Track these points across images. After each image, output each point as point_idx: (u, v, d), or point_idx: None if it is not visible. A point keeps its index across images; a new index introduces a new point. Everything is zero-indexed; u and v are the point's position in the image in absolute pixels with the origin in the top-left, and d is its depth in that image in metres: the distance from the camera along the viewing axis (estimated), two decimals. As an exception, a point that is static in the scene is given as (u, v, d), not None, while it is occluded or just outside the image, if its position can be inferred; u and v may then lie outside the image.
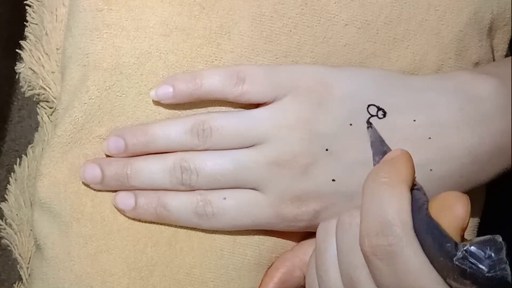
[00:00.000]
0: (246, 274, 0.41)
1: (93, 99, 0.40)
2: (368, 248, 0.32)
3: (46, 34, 0.43)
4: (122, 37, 0.40)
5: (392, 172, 0.33)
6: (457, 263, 0.30)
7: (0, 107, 0.55)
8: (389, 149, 0.36)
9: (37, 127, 0.46)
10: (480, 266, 0.29)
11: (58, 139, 0.40)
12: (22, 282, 0.46)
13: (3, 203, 0.47)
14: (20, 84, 0.45)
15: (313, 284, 0.37)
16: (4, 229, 0.47)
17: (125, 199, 0.40)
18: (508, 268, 0.29)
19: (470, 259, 0.30)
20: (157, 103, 0.40)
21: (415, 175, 0.34)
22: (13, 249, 0.46)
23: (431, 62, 0.42)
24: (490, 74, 0.40)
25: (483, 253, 0.29)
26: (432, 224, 0.31)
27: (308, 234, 0.41)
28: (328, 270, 0.35)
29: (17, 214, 0.46)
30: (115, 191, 0.40)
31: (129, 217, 0.40)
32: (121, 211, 0.40)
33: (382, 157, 0.36)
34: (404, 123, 0.38)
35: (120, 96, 0.40)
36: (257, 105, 0.40)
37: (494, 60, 0.45)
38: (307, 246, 0.41)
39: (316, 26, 0.41)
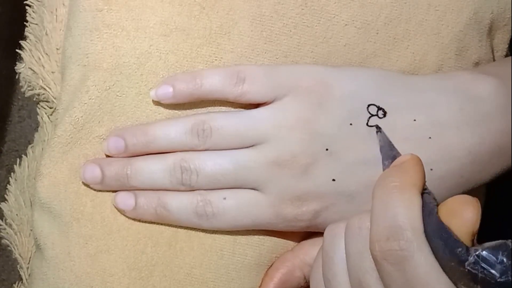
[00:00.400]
0: (246, 274, 0.41)
1: (93, 99, 0.40)
2: (379, 252, 0.31)
3: (46, 34, 0.43)
4: (122, 37, 0.40)
5: (402, 176, 0.33)
6: (468, 268, 0.30)
7: (0, 107, 0.55)
8: (398, 154, 0.36)
9: (37, 127, 0.46)
10: (492, 271, 0.29)
11: (58, 139, 0.40)
12: (22, 282, 0.46)
13: (3, 203, 0.47)
14: (20, 84, 0.45)
15: (319, 286, 0.37)
16: (4, 229, 0.47)
17: (125, 199, 0.40)
18: None
19: (481, 264, 0.29)
20: (157, 103, 0.40)
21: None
22: (13, 249, 0.46)
23: (431, 62, 0.42)
24: (490, 74, 0.40)
25: (494, 258, 0.29)
26: (443, 229, 0.31)
27: (308, 234, 0.41)
28: (337, 275, 0.35)
29: (17, 214, 0.46)
30: (115, 191, 0.40)
31: (129, 217, 0.40)
32: (121, 211, 0.40)
33: (392, 161, 0.35)
34: (404, 123, 0.38)
35: (120, 96, 0.40)
36: (257, 105, 0.40)
37: (494, 60, 0.45)
38: (308, 246, 0.41)
39: (316, 26, 0.41)
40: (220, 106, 0.40)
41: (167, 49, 0.40)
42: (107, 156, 0.40)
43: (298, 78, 0.39)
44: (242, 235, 0.40)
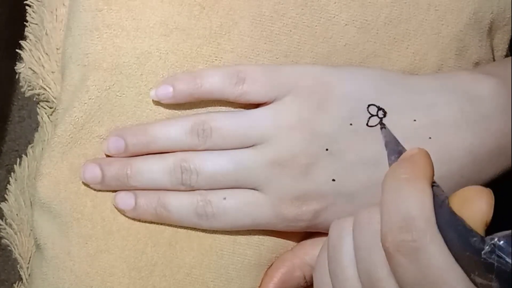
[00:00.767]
0: (246, 274, 0.41)
1: (93, 99, 0.40)
2: (391, 244, 0.31)
3: (46, 34, 0.43)
4: (122, 37, 0.40)
5: (412, 168, 0.32)
6: (484, 257, 0.29)
7: (0, 107, 0.55)
8: (404, 149, 0.36)
9: (37, 127, 0.46)
10: (508, 260, 0.29)
11: (58, 139, 0.40)
12: (22, 282, 0.46)
13: (3, 203, 0.47)
14: (20, 84, 0.45)
15: (324, 283, 0.36)
16: (4, 229, 0.47)
17: (125, 199, 0.40)
18: None
19: (497, 253, 0.29)
20: (157, 103, 0.40)
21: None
22: (13, 249, 0.46)
23: (431, 62, 0.42)
24: (490, 74, 0.40)
25: (511, 247, 0.29)
26: (455, 219, 0.31)
27: (308, 234, 0.41)
28: (345, 269, 0.34)
29: (17, 214, 0.46)
30: (115, 191, 0.40)
31: (129, 217, 0.40)
32: (121, 211, 0.40)
33: (398, 156, 0.35)
34: (404, 123, 0.38)
35: (120, 96, 0.40)
36: (257, 105, 0.40)
37: (494, 60, 0.45)
38: (308, 246, 0.41)
39: (316, 26, 0.41)
40: (220, 106, 0.40)
41: (167, 49, 0.40)
42: (107, 156, 0.40)
43: (298, 78, 0.39)
44: (242, 235, 0.40)
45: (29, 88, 0.44)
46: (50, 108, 0.44)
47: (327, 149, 0.38)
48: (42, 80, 0.43)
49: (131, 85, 0.40)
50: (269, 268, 0.41)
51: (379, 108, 0.38)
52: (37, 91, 0.43)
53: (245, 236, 0.41)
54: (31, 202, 0.44)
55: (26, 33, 0.45)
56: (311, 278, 0.40)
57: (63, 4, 0.42)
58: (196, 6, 0.40)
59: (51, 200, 0.40)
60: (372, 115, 0.38)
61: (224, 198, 0.39)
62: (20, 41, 0.44)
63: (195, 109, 0.40)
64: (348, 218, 0.35)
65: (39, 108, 0.45)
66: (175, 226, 0.40)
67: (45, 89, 0.43)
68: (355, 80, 0.39)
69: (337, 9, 0.41)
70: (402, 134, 0.38)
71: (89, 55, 0.40)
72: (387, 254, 0.31)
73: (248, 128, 0.38)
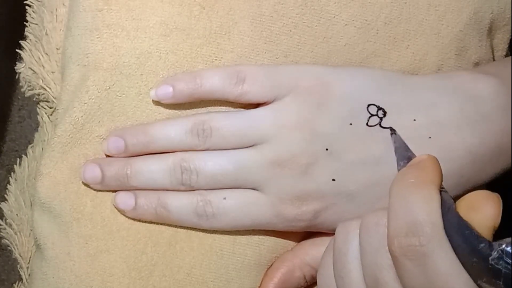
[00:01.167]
0: (246, 274, 0.41)
1: (93, 99, 0.40)
2: (398, 248, 0.31)
3: (46, 34, 0.43)
4: (122, 37, 0.40)
5: (420, 173, 0.33)
6: (492, 263, 0.29)
7: (0, 107, 0.55)
8: (413, 155, 0.36)
9: (37, 127, 0.46)
10: None
11: (58, 139, 0.40)
12: (22, 282, 0.46)
13: (3, 203, 0.47)
14: (20, 84, 0.45)
15: (328, 286, 0.36)
16: (4, 229, 0.47)
17: (125, 199, 0.40)
18: None
19: (505, 259, 0.29)
20: (157, 103, 0.40)
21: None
22: (13, 249, 0.46)
23: (431, 62, 0.42)
24: (490, 74, 0.40)
25: None
26: (463, 225, 0.31)
27: (308, 234, 0.41)
28: (351, 272, 0.34)
29: (17, 214, 0.46)
30: (115, 191, 0.40)
31: (129, 217, 0.40)
32: (121, 211, 0.40)
33: (407, 162, 0.35)
34: (404, 123, 0.38)
35: (120, 96, 0.40)
36: (257, 105, 0.40)
37: (494, 60, 0.45)
38: (308, 246, 0.41)
39: (316, 26, 0.41)
40: (220, 106, 0.40)
41: (167, 49, 0.40)
42: (107, 156, 0.40)
43: (298, 78, 0.39)
44: (242, 235, 0.40)
45: (29, 88, 0.44)
46: (50, 108, 0.44)
47: (327, 149, 0.38)
48: (42, 80, 0.43)
49: (131, 85, 0.40)
50: (269, 268, 0.41)
51: (379, 108, 0.38)
52: (37, 91, 0.43)
53: (245, 236, 0.41)
54: (31, 202, 0.44)
55: (26, 33, 0.45)
56: (311, 278, 0.41)
57: (63, 4, 0.42)
58: (196, 6, 0.40)
59: (51, 200, 0.40)
60: (372, 115, 0.38)
61: (224, 198, 0.39)
62: (20, 41, 0.44)
63: (195, 109, 0.40)
64: (354, 221, 0.35)
65: (39, 108, 0.45)
66: (175, 226, 0.40)
67: (45, 89, 0.43)
68: (355, 80, 0.39)
69: (337, 9, 0.41)
70: (402, 134, 0.38)
71: (89, 55, 0.40)
72: (393, 258, 0.31)
73: (248, 128, 0.38)
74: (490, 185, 0.41)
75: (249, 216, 0.39)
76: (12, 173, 0.48)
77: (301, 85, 0.39)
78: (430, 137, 0.38)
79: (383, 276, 0.32)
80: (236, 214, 0.39)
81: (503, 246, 0.29)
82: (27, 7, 0.44)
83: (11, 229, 0.46)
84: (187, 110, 0.40)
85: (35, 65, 0.43)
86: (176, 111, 0.40)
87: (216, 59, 0.40)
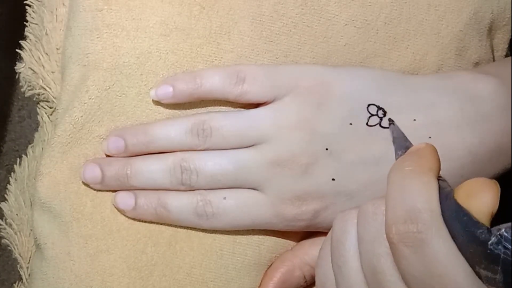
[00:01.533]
0: (246, 274, 0.41)
1: (93, 99, 0.40)
2: (396, 235, 0.31)
3: (46, 34, 0.43)
4: (122, 37, 0.40)
5: (418, 161, 0.32)
6: (491, 247, 0.29)
7: (0, 107, 0.55)
8: (411, 145, 0.36)
9: (37, 127, 0.46)
10: None
11: (58, 139, 0.40)
12: (22, 282, 0.46)
13: (3, 203, 0.47)
14: (20, 84, 0.45)
15: (326, 277, 0.36)
16: (4, 229, 0.47)
17: (125, 199, 0.40)
18: None
19: (504, 244, 0.29)
20: (157, 103, 0.40)
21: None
22: (13, 249, 0.46)
23: (431, 62, 0.42)
24: (490, 74, 0.40)
25: None
26: (461, 211, 0.31)
27: (308, 233, 0.41)
28: (348, 261, 0.34)
29: (17, 214, 0.46)
30: (115, 191, 0.40)
31: (129, 217, 0.40)
32: (121, 211, 0.40)
33: (405, 151, 0.35)
34: (404, 123, 0.38)
35: (120, 96, 0.40)
36: (257, 105, 0.40)
37: (494, 60, 0.45)
38: (307, 246, 0.41)
39: (316, 26, 0.41)
40: (220, 106, 0.40)
41: (167, 49, 0.40)
42: (107, 156, 0.40)
43: (298, 78, 0.39)
44: (242, 235, 0.40)
45: (29, 88, 0.44)
46: (50, 108, 0.44)
47: (327, 149, 0.38)
48: (42, 80, 0.43)
49: (131, 85, 0.40)
50: (269, 268, 0.41)
51: (379, 108, 0.38)
52: (37, 91, 0.43)
53: (245, 236, 0.41)
54: (31, 202, 0.44)
55: (26, 33, 0.45)
56: (311, 278, 0.40)
57: (63, 4, 0.42)
58: (196, 6, 0.40)
59: (51, 200, 0.40)
60: (372, 115, 0.38)
61: (224, 198, 0.39)
62: (20, 41, 0.44)
63: (195, 109, 0.40)
64: (353, 211, 0.35)
65: (39, 108, 0.45)
66: (175, 226, 0.40)
67: (45, 89, 0.43)
68: (355, 80, 0.39)
69: (337, 9, 0.41)
70: (402, 133, 0.38)
71: (89, 55, 0.40)
72: (391, 245, 0.31)
73: (248, 128, 0.38)
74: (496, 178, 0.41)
75: (249, 216, 0.39)
76: (12, 173, 0.48)
77: (301, 85, 0.39)
78: (430, 137, 0.38)
79: (380, 264, 0.32)
80: (236, 214, 0.39)
81: (502, 231, 0.29)
82: (27, 7, 0.44)
83: (11, 229, 0.46)
84: (187, 110, 0.40)
85: (35, 65, 0.43)
86: (176, 111, 0.40)
87: (216, 59, 0.40)
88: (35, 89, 0.43)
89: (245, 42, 0.40)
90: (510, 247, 0.29)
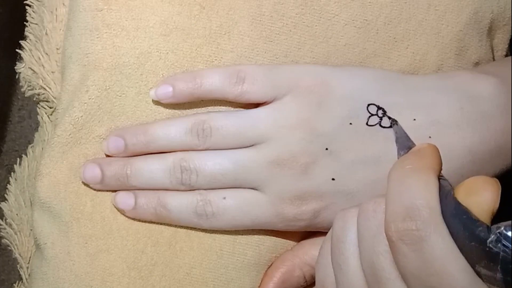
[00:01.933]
0: (246, 274, 0.41)
1: (93, 99, 0.40)
2: (395, 232, 0.31)
3: (46, 34, 0.43)
4: (122, 37, 0.40)
5: (420, 160, 0.32)
6: (490, 245, 0.29)
7: (0, 107, 0.55)
8: (414, 145, 0.36)
9: (37, 127, 0.46)
10: None
11: (58, 139, 0.40)
12: (22, 282, 0.46)
13: (3, 203, 0.47)
14: (20, 84, 0.45)
15: (326, 275, 0.36)
16: (4, 229, 0.47)
17: (125, 199, 0.40)
18: None
19: (503, 242, 0.29)
20: (157, 103, 0.40)
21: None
22: (13, 249, 0.46)
23: (431, 62, 0.42)
24: (490, 73, 0.40)
25: None
26: (461, 210, 0.31)
27: (308, 233, 0.41)
28: (348, 259, 0.34)
29: (17, 214, 0.46)
30: (115, 191, 0.40)
31: (129, 217, 0.40)
32: (121, 211, 0.40)
33: (408, 151, 0.35)
34: (404, 123, 0.38)
35: (120, 96, 0.40)
36: (257, 105, 0.40)
37: (494, 60, 0.45)
38: (307, 245, 0.41)
39: (316, 25, 0.41)
40: (220, 106, 0.40)
41: (167, 48, 0.40)
42: (107, 155, 0.40)
43: (298, 78, 0.39)
44: (242, 234, 0.40)
45: (29, 88, 0.44)
46: (50, 108, 0.44)
47: (326, 149, 0.38)
48: (42, 80, 0.43)
49: (131, 85, 0.40)
50: (269, 267, 0.41)
51: (379, 107, 0.38)
52: (37, 91, 0.43)
53: (245, 236, 0.41)
54: (31, 202, 0.44)
55: (26, 33, 0.45)
56: (311, 277, 0.40)
57: (63, 4, 0.42)
58: (196, 6, 0.40)
59: (51, 200, 0.40)
60: (372, 114, 0.38)
61: (224, 198, 0.39)
62: (20, 41, 0.44)
63: (195, 109, 0.40)
64: (353, 209, 0.35)
65: (39, 108, 0.45)
66: (175, 226, 0.40)
67: (45, 89, 0.43)
68: (354, 80, 0.39)
69: (337, 9, 0.41)
70: (402, 133, 0.38)
71: (89, 55, 0.40)
72: (390, 243, 0.31)
73: (248, 128, 0.38)
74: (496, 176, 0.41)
75: (248, 216, 0.39)
76: (12, 173, 0.48)
77: (301, 85, 0.39)
78: (430, 137, 0.38)
79: (380, 261, 0.32)
80: (236, 213, 0.39)
81: (502, 229, 0.29)
82: (27, 7, 0.45)
83: (11, 229, 0.46)
84: (187, 110, 0.40)
85: (35, 65, 0.43)
86: (176, 111, 0.40)
87: (216, 59, 0.40)
88: (35, 89, 0.43)
89: (245, 42, 0.40)
90: (509, 245, 0.29)
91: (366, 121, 0.38)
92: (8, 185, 0.47)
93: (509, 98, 0.39)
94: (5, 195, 0.47)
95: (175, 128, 0.39)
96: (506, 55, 0.46)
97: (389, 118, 0.38)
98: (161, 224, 0.40)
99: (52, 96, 0.43)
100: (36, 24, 0.44)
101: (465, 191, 0.31)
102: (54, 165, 0.40)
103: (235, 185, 0.39)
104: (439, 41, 0.42)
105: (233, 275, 0.41)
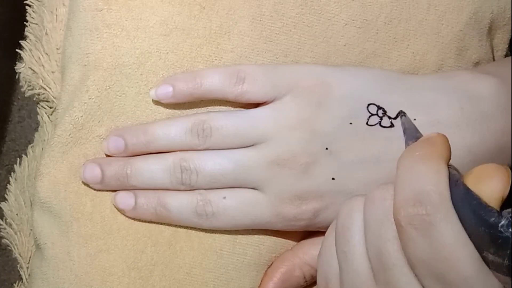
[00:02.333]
0: (246, 273, 0.41)
1: (93, 98, 0.40)
2: (404, 217, 0.30)
3: (46, 34, 0.43)
4: (122, 37, 0.40)
5: (429, 147, 0.32)
6: (501, 229, 0.29)
7: (0, 107, 0.55)
8: (422, 135, 0.36)
9: (37, 127, 0.46)
10: None
11: (58, 139, 0.40)
12: (22, 282, 0.46)
13: (3, 203, 0.47)
14: (20, 84, 0.45)
15: (330, 265, 0.36)
16: (4, 229, 0.47)
17: (125, 199, 0.40)
18: None
19: None
20: (157, 102, 0.40)
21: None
22: (13, 249, 0.46)
23: (431, 61, 0.42)
24: (490, 73, 0.40)
25: None
26: (470, 195, 0.30)
27: (308, 234, 0.41)
28: (354, 246, 0.34)
29: (17, 214, 0.46)
30: (115, 191, 0.40)
31: (129, 217, 0.40)
32: (121, 211, 0.40)
33: (416, 141, 0.35)
34: (404, 122, 0.38)
35: (120, 95, 0.40)
36: (257, 105, 0.40)
37: (494, 60, 0.45)
38: (307, 245, 0.41)
39: (316, 25, 0.41)
40: (220, 105, 0.40)
41: (167, 48, 0.40)
42: (107, 155, 0.40)
43: (298, 78, 0.39)
44: (242, 234, 0.40)
45: (29, 88, 0.44)
46: (50, 108, 0.44)
47: (326, 148, 0.38)
48: (42, 80, 0.43)
49: (131, 85, 0.40)
50: (268, 267, 0.41)
51: (379, 107, 0.38)
52: (37, 91, 0.43)
53: (245, 236, 0.41)
54: (31, 202, 0.44)
55: (26, 33, 0.45)
56: (311, 277, 0.40)
57: (63, 4, 0.42)
58: (196, 6, 0.40)
59: (51, 200, 0.40)
60: (372, 114, 0.38)
61: (224, 198, 0.39)
62: (20, 41, 0.44)
63: (195, 109, 0.40)
64: (359, 197, 0.35)
65: (39, 108, 0.45)
66: (175, 226, 0.40)
67: (45, 89, 0.43)
68: (355, 80, 0.39)
69: (337, 9, 0.41)
70: (402, 133, 0.38)
71: (89, 55, 0.40)
72: (399, 228, 0.31)
73: (248, 128, 0.38)
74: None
75: (248, 216, 0.39)
76: (12, 173, 0.48)
77: (301, 85, 0.39)
78: (430, 137, 0.38)
79: (387, 247, 0.32)
80: (236, 213, 0.39)
81: None
82: (27, 7, 0.45)
83: (11, 229, 0.46)
84: (187, 110, 0.40)
85: (35, 65, 0.43)
86: (176, 111, 0.40)
87: (216, 59, 0.40)
88: (35, 89, 0.43)
89: (245, 42, 0.40)
90: None
91: (366, 121, 0.38)
92: (8, 185, 0.47)
93: (509, 98, 0.39)
94: (5, 195, 0.47)
95: (175, 128, 0.39)
96: (506, 55, 0.46)
97: (389, 117, 0.38)
98: (161, 224, 0.40)
99: (52, 96, 0.43)
100: (36, 24, 0.44)
101: (475, 178, 0.31)
102: (54, 165, 0.40)
103: (235, 185, 0.39)
104: (439, 41, 0.42)
105: (233, 275, 0.41)
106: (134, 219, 0.40)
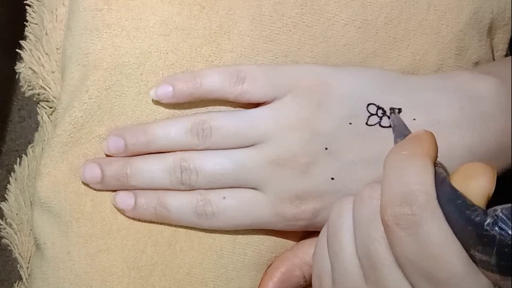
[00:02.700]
0: (246, 273, 0.41)
1: (93, 98, 0.40)
2: (391, 217, 0.31)
3: (46, 34, 0.43)
4: (122, 37, 0.40)
5: (416, 146, 0.32)
6: (487, 228, 0.29)
7: (0, 107, 0.55)
8: (410, 133, 0.36)
9: (37, 127, 0.46)
10: (510, 231, 0.28)
11: (58, 139, 0.40)
12: (22, 281, 0.46)
13: (3, 203, 0.47)
14: (20, 84, 0.45)
15: (323, 264, 0.36)
16: (4, 228, 0.47)
17: (125, 199, 0.40)
18: None
19: (500, 224, 0.29)
20: (157, 102, 0.40)
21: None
22: (13, 248, 0.46)
23: (431, 61, 0.42)
24: (490, 73, 0.40)
25: None
26: (456, 195, 0.31)
27: (308, 233, 0.41)
28: (344, 246, 0.34)
29: (17, 214, 0.46)
30: (115, 190, 0.40)
31: (129, 217, 0.40)
32: (121, 211, 0.40)
33: (404, 138, 0.35)
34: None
35: (120, 95, 0.40)
36: (257, 105, 0.40)
37: (494, 59, 0.45)
38: (307, 245, 0.41)
39: (316, 25, 0.41)
40: (220, 105, 0.40)
41: (167, 48, 0.40)
42: (107, 155, 0.40)
43: (298, 78, 0.39)
44: (242, 234, 0.40)
45: (29, 88, 0.44)
46: (50, 108, 0.44)
47: (326, 148, 0.38)
48: (42, 80, 0.43)
49: (131, 85, 0.40)
50: (268, 267, 0.41)
51: (379, 107, 0.38)
52: (37, 91, 0.44)
53: (245, 236, 0.41)
54: (31, 202, 0.44)
55: (26, 33, 0.45)
56: (311, 277, 0.40)
57: (63, 4, 0.43)
58: (196, 6, 0.40)
59: (51, 200, 0.40)
60: (372, 114, 0.38)
61: (224, 198, 0.39)
62: (20, 41, 0.44)
63: (195, 109, 0.40)
64: (349, 197, 0.35)
65: (39, 108, 0.45)
66: (175, 226, 0.40)
67: (45, 89, 0.43)
68: (354, 80, 0.39)
69: (337, 9, 0.41)
70: (402, 133, 0.38)
71: (89, 55, 0.40)
72: (385, 227, 0.31)
73: (248, 128, 0.38)
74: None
75: (248, 216, 0.39)
76: (12, 173, 0.48)
77: (301, 85, 0.39)
78: (430, 137, 0.38)
79: (375, 247, 0.32)
80: (236, 213, 0.39)
81: (498, 211, 0.29)
82: (27, 7, 0.45)
83: (11, 229, 0.46)
84: (187, 110, 0.40)
85: (35, 65, 0.43)
86: (176, 110, 0.40)
87: (216, 59, 0.40)
88: (35, 89, 0.43)
89: (245, 42, 0.40)
90: (506, 228, 0.29)
91: (366, 121, 0.38)
92: (8, 185, 0.47)
93: (509, 98, 0.39)
94: (5, 195, 0.47)
95: (175, 128, 0.39)
96: (506, 55, 0.46)
97: (389, 117, 0.38)
98: (161, 224, 0.40)
99: (52, 96, 0.43)
100: (36, 24, 0.44)
101: (461, 176, 0.32)
102: (54, 165, 0.40)
103: (235, 185, 0.39)
104: (439, 41, 0.42)
105: (233, 275, 0.41)
106: (134, 219, 0.40)
